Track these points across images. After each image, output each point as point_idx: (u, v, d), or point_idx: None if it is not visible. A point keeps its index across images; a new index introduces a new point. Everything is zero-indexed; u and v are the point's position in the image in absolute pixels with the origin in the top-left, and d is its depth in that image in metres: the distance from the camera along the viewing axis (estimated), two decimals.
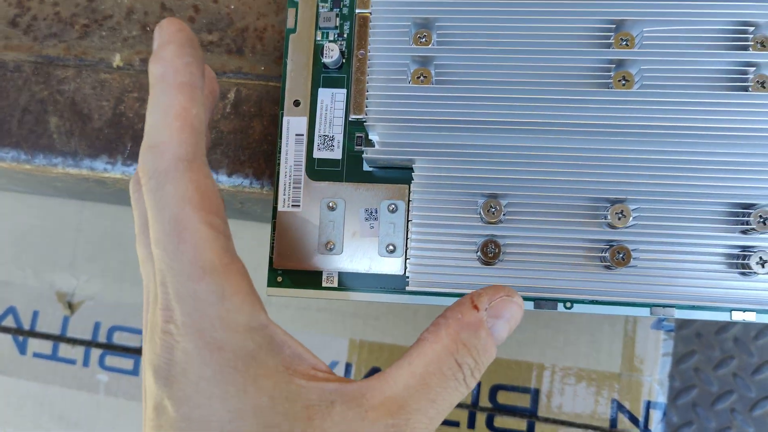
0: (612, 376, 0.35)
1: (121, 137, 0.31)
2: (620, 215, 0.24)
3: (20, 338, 0.42)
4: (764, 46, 0.24)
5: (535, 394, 0.36)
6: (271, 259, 0.27)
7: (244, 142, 0.30)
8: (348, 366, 0.39)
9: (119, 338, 0.42)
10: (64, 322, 0.42)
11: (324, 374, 0.20)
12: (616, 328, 0.35)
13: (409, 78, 0.25)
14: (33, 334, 0.42)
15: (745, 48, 0.24)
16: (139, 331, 0.42)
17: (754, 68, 0.24)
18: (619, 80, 0.25)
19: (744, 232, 0.24)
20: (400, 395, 0.20)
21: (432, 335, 0.21)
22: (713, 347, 0.56)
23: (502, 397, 0.37)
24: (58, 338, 0.42)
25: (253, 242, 0.39)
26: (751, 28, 0.24)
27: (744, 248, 0.24)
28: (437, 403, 0.20)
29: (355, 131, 0.28)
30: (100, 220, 0.43)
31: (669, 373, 0.35)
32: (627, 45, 0.25)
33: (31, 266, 0.43)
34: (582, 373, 0.36)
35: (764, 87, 0.24)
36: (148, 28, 0.32)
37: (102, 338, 0.42)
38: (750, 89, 0.24)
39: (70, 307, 0.42)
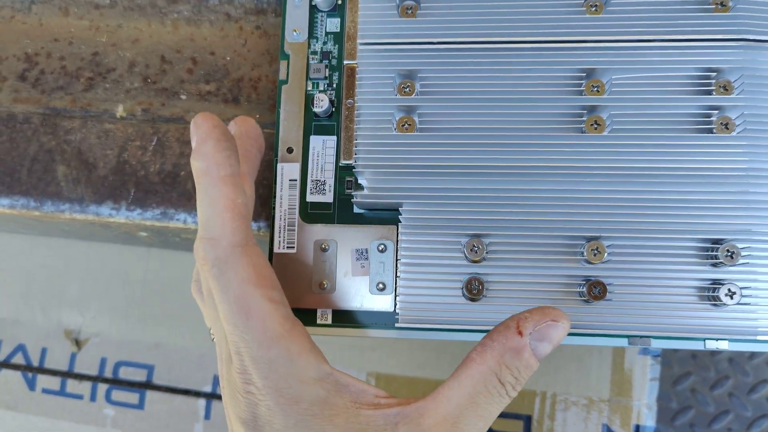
0: (601, 401, 0.37)
1: (125, 184, 0.32)
2: (595, 251, 0.26)
3: (29, 375, 0.43)
4: (726, 90, 0.26)
5: (528, 420, 0.37)
6: None
7: None
8: None
9: (125, 373, 0.43)
10: (72, 359, 0.43)
11: (386, 400, 0.23)
12: (604, 355, 0.37)
13: (395, 126, 0.27)
14: (41, 370, 0.43)
15: (709, 92, 0.26)
16: (143, 366, 0.43)
17: (718, 111, 0.26)
18: (591, 124, 0.26)
19: (714, 265, 0.25)
20: (453, 413, 0.22)
21: (479, 356, 0.23)
22: (708, 368, 0.57)
23: (496, 424, 0.38)
24: (66, 374, 0.43)
25: None
26: (714, 74, 0.26)
27: (714, 281, 0.25)
28: (485, 417, 0.22)
29: (345, 175, 0.29)
30: (106, 259, 0.44)
31: (657, 396, 0.36)
32: (598, 91, 0.26)
33: (40, 305, 0.44)
34: (572, 399, 0.37)
35: (727, 128, 0.26)
36: (149, 80, 0.33)
37: (108, 373, 0.43)
38: (714, 131, 0.26)
39: (77, 343, 0.44)
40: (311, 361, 0.23)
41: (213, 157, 0.22)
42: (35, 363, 0.44)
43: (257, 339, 0.22)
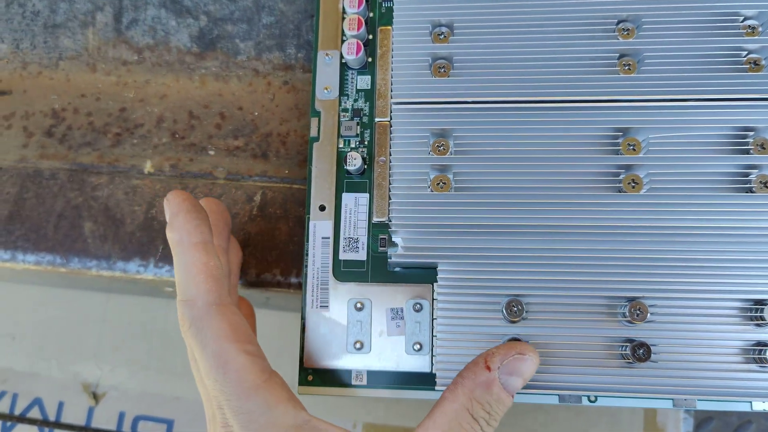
0: None
1: (153, 240, 0.32)
2: (638, 312, 0.25)
3: (46, 430, 0.43)
4: (764, 149, 0.26)
5: None
6: (301, 358, 0.28)
7: (271, 243, 0.31)
8: None
9: (144, 428, 0.42)
10: (89, 413, 0.43)
11: None
12: (636, 409, 0.36)
13: (430, 185, 0.27)
14: (58, 425, 0.43)
15: (746, 151, 0.26)
16: (162, 420, 0.42)
17: (757, 170, 0.26)
18: (629, 183, 0.26)
19: (758, 325, 0.25)
20: None
21: (451, 394, 0.23)
22: (731, 413, 0.56)
23: None
24: (83, 429, 0.42)
25: (276, 330, 0.40)
26: (751, 132, 0.26)
27: (758, 342, 0.25)
28: None
29: (378, 233, 0.29)
30: (124, 310, 0.44)
31: None
32: (634, 150, 0.26)
33: (56, 357, 0.44)
34: None
35: (767, 186, 0.26)
36: (177, 135, 0.33)
37: (127, 428, 0.42)
38: (754, 190, 0.26)
39: (95, 397, 0.43)
40: (289, 409, 0.23)
41: (184, 228, 0.24)
42: (52, 417, 0.43)
43: (235, 391, 0.23)
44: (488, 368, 0.23)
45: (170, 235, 0.24)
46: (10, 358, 0.45)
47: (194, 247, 0.24)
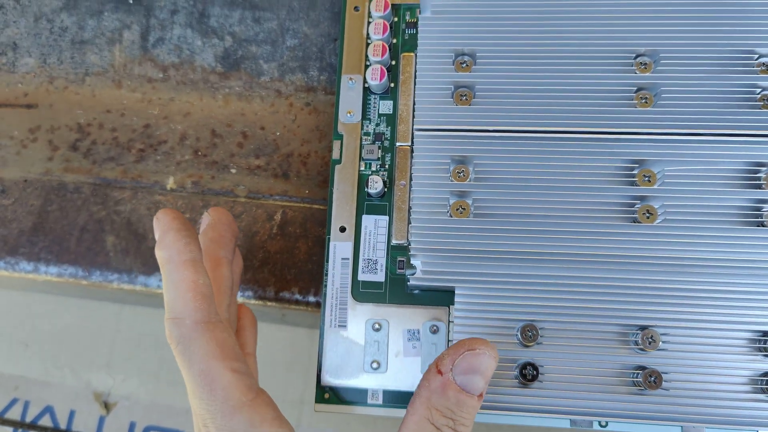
0: None
1: None
2: (650, 340, 0.26)
3: None
4: None
5: None
6: (318, 376, 0.29)
7: (290, 261, 0.32)
8: None
9: None
10: (100, 422, 0.43)
11: None
12: None
13: (449, 210, 0.28)
14: None
15: (759, 186, 0.27)
16: (173, 431, 0.43)
17: None
18: (644, 213, 0.27)
19: (766, 356, 0.26)
20: None
21: (411, 407, 0.23)
22: None
23: None
24: None
25: (289, 345, 0.40)
26: (764, 168, 0.27)
27: (767, 372, 0.26)
28: None
29: (396, 255, 0.30)
30: (137, 321, 0.44)
31: None
32: (649, 181, 0.27)
33: (69, 366, 0.44)
34: None
35: None
36: (200, 153, 0.34)
37: None
38: (766, 224, 0.26)
39: (106, 406, 0.43)
40: (273, 429, 0.23)
41: (173, 246, 0.24)
42: (63, 425, 0.43)
43: (221, 409, 0.23)
44: (440, 372, 0.23)
45: (160, 253, 0.25)
46: (24, 365, 0.45)
47: (183, 264, 0.24)
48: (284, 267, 0.32)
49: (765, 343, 0.26)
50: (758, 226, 0.26)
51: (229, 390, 0.23)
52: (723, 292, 0.26)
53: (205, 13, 0.36)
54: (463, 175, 0.28)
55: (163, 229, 0.25)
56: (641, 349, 0.26)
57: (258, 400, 0.23)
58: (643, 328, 0.26)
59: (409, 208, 0.29)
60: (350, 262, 0.30)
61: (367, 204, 0.30)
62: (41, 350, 0.45)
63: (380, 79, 0.30)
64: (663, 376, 0.26)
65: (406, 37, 0.32)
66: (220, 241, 0.29)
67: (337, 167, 0.31)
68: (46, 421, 0.44)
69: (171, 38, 0.36)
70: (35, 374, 0.45)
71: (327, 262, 0.30)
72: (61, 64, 0.36)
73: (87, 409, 0.43)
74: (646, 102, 0.28)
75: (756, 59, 0.28)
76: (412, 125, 0.30)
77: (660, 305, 0.26)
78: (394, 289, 0.29)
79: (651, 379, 0.26)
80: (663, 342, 0.26)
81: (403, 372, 0.28)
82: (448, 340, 0.28)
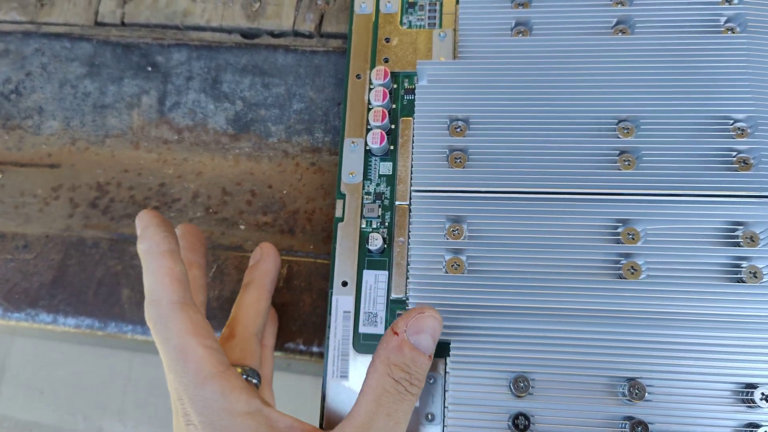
0: None
1: None
2: (636, 391, 0.27)
3: None
4: (753, 241, 0.28)
5: None
6: (321, 425, 0.30)
7: (295, 313, 0.34)
8: None
9: None
10: None
11: (313, 431, 0.26)
12: None
13: (445, 267, 0.29)
14: None
15: (737, 244, 0.28)
16: None
17: (746, 261, 0.28)
18: (628, 270, 0.28)
19: (749, 407, 0.27)
20: (364, 420, 0.25)
21: (371, 368, 0.26)
22: None
23: None
24: None
25: (294, 393, 0.41)
26: (741, 227, 0.28)
27: (750, 423, 0.27)
28: (393, 415, 0.25)
29: (396, 308, 0.31)
30: (148, 368, 0.46)
31: None
32: (633, 239, 0.29)
33: (82, 413, 0.46)
34: None
35: (756, 277, 0.28)
36: (211, 210, 0.36)
37: None
38: (744, 279, 0.28)
39: None
40: (242, 397, 0.25)
41: (153, 239, 0.26)
42: None
43: (193, 380, 0.24)
44: (395, 333, 0.26)
45: (141, 246, 0.27)
46: (38, 411, 0.46)
47: (161, 255, 0.26)
48: (290, 319, 0.34)
49: (748, 395, 0.27)
50: (737, 282, 0.28)
51: (201, 363, 0.25)
52: (706, 345, 0.27)
53: (218, 80, 0.38)
54: (458, 233, 0.30)
55: (144, 224, 0.27)
56: (628, 400, 0.27)
57: (228, 372, 0.25)
58: (630, 379, 0.27)
59: (408, 264, 0.30)
60: (351, 315, 0.31)
61: (368, 260, 0.32)
62: (55, 397, 0.47)
63: (380, 143, 0.32)
64: (649, 426, 0.27)
65: (405, 103, 0.34)
66: (191, 248, 0.31)
67: (340, 225, 0.32)
68: None
69: (186, 103, 0.38)
70: (49, 420, 0.46)
71: (330, 315, 0.31)
72: (83, 126, 0.39)
73: None
74: (629, 164, 0.30)
75: (731, 124, 0.30)
76: (410, 185, 0.32)
77: (646, 358, 0.28)
78: None
79: (638, 430, 0.27)
80: (649, 393, 0.27)
81: None
82: (444, 391, 0.29)
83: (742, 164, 0.29)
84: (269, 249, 0.32)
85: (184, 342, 0.25)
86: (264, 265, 0.31)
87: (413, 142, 0.31)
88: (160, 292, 0.26)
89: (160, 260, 0.26)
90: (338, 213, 0.33)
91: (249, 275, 0.32)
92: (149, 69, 0.39)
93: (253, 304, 0.30)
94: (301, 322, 0.34)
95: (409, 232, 0.30)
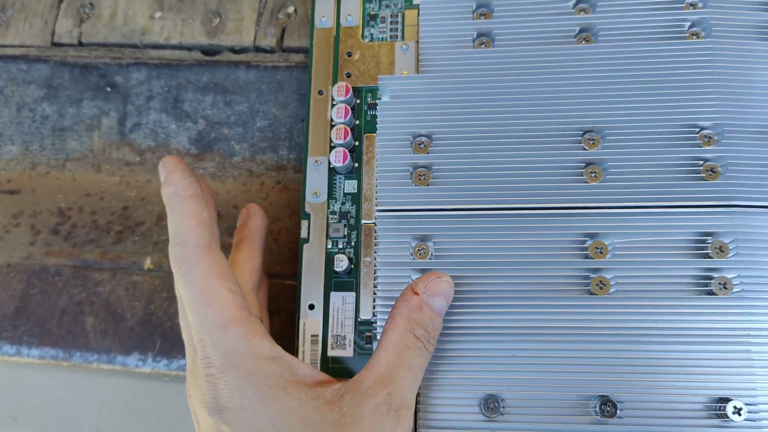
0: None
1: (152, 335, 0.34)
2: (608, 408, 0.27)
3: None
4: (722, 251, 0.28)
5: None
6: None
7: None
8: None
9: None
10: None
11: (331, 380, 0.26)
12: None
13: None
14: None
15: (706, 255, 0.28)
16: None
17: (716, 272, 0.27)
18: (597, 285, 0.28)
19: (724, 421, 0.26)
20: (386, 371, 0.25)
21: (392, 323, 0.26)
22: None
23: None
24: None
25: None
26: (709, 237, 0.28)
27: None
28: (412, 368, 0.26)
29: (364, 330, 0.31)
30: (123, 392, 0.45)
31: None
32: (601, 253, 0.28)
33: None
34: None
35: (726, 288, 0.27)
36: None
37: None
38: (714, 292, 0.27)
39: None
40: (265, 342, 0.25)
41: (179, 183, 0.27)
42: None
43: (217, 323, 0.25)
44: (416, 293, 0.26)
45: (166, 190, 0.27)
46: None
47: (189, 198, 0.26)
48: None
49: (720, 410, 0.26)
50: (707, 294, 0.27)
51: (226, 306, 0.25)
52: (677, 360, 0.27)
53: (179, 99, 0.37)
54: (424, 253, 0.29)
55: (170, 169, 0.27)
56: (600, 418, 0.27)
57: (251, 318, 0.25)
58: (601, 396, 0.27)
59: (375, 285, 0.30)
60: (320, 338, 0.31)
61: (335, 281, 0.31)
62: (30, 423, 0.46)
63: (343, 162, 0.32)
64: None
65: (368, 118, 0.33)
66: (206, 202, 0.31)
67: (305, 246, 0.32)
68: None
69: (147, 123, 0.37)
70: None
71: (297, 338, 0.30)
72: (42, 150, 0.38)
73: None
74: (596, 176, 0.29)
75: (698, 132, 0.29)
76: (375, 207, 0.31)
77: (616, 374, 0.27)
78: (362, 363, 0.30)
79: None
80: (621, 410, 0.27)
81: None
82: (415, 413, 0.29)
83: (710, 173, 0.29)
84: (255, 207, 0.32)
85: (209, 284, 0.25)
86: (253, 223, 0.32)
87: (376, 161, 0.31)
88: (186, 235, 0.26)
89: (187, 203, 0.26)
90: (303, 234, 0.32)
91: (239, 234, 0.31)
92: (108, 89, 0.38)
93: (247, 260, 0.30)
94: None
95: (376, 253, 0.30)
